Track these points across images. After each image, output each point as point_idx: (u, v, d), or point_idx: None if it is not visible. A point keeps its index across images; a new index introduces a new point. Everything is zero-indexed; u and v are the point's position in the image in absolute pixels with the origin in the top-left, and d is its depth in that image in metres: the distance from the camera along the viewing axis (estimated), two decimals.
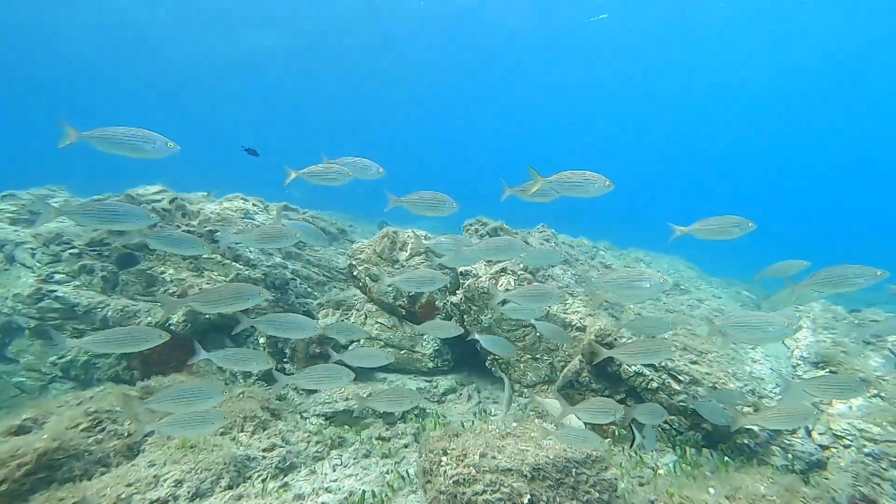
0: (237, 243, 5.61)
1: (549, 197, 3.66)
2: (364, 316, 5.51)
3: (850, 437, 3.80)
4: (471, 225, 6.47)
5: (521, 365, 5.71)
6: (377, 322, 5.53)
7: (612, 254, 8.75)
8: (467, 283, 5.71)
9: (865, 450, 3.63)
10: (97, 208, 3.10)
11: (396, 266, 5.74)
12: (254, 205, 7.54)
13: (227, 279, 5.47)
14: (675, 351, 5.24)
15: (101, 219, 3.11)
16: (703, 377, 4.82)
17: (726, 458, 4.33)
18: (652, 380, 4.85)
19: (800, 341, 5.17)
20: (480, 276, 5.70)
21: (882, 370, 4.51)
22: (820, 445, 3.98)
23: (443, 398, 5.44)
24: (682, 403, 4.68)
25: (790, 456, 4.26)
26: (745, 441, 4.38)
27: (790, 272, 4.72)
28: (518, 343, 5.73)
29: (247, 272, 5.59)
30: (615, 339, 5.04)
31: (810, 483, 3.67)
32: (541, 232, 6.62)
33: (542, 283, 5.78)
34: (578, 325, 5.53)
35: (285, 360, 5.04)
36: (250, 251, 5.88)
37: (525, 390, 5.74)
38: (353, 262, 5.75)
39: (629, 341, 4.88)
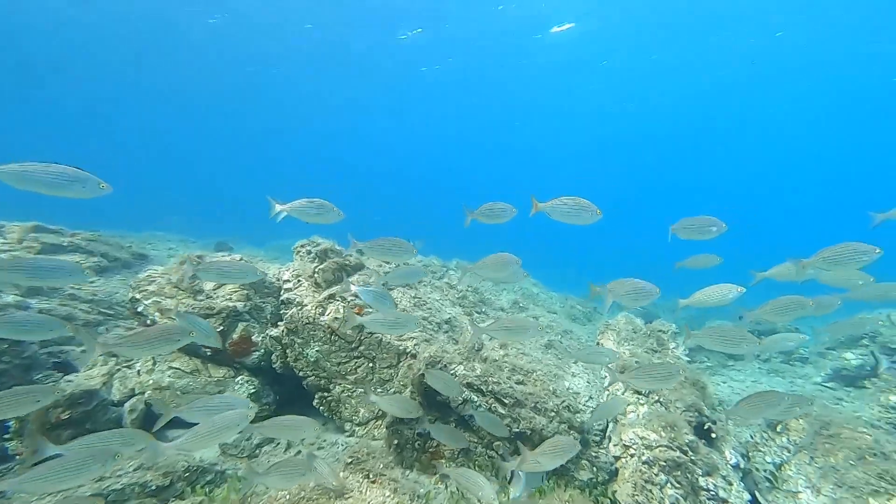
0: None
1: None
2: (153, 361, 4.42)
3: (634, 447, 4.15)
4: (302, 246, 5.82)
5: (353, 400, 5.22)
6: (171, 367, 4.48)
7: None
8: (290, 312, 5.04)
9: (643, 457, 3.98)
10: None
11: (200, 297, 4.78)
12: None
13: None
14: (504, 371, 5.34)
15: None
16: (525, 398, 4.94)
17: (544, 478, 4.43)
18: (479, 405, 4.79)
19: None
20: (306, 305, 5.08)
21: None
22: (615, 456, 4.29)
23: (256, 451, 4.62)
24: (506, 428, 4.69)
25: (595, 469, 4.56)
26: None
27: (707, 265, 4.87)
28: (350, 376, 5.24)
29: None
30: (445, 366, 4.90)
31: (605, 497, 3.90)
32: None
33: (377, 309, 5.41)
34: (412, 351, 5.28)
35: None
36: None
37: (357, 429, 5.26)
38: (138, 296, 4.61)
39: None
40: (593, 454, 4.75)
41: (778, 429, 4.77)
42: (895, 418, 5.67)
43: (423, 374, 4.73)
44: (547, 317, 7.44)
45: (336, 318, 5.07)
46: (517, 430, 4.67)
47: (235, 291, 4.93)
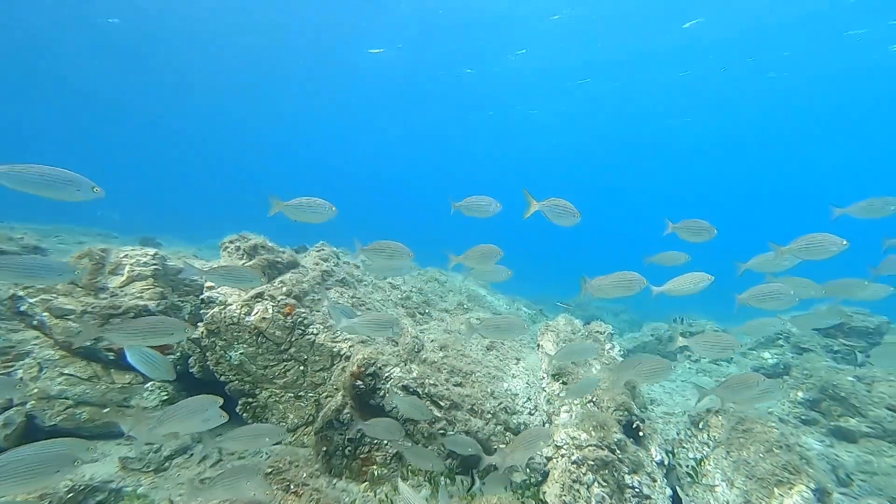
0: None
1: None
2: (38, 367, 3.86)
3: (565, 447, 4.17)
4: (231, 242, 5.41)
5: (281, 405, 4.89)
6: (62, 374, 3.95)
7: (409, 274, 8.77)
8: (211, 312, 4.64)
9: (573, 457, 4.00)
10: None
11: (104, 296, 4.27)
12: None
13: None
14: (443, 373, 5.23)
15: None
16: (462, 400, 4.85)
17: (475, 482, 4.34)
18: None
19: (546, 353, 5.73)
20: (230, 304, 4.70)
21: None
22: (546, 457, 4.28)
23: (166, 462, 4.19)
24: (441, 431, 4.57)
25: (529, 470, 4.54)
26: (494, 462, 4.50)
27: (676, 263, 5.08)
28: (279, 380, 4.91)
29: None
30: (380, 368, 4.71)
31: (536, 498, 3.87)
32: (319, 251, 5.99)
33: (310, 308, 5.12)
34: (347, 353, 5.04)
35: None
36: None
37: (288, 435, 4.94)
38: (21, 293, 4.02)
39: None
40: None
41: (700, 426, 5.00)
42: (801, 412, 6.15)
43: (354, 377, 4.51)
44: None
45: (264, 318, 4.73)
46: (452, 432, 4.58)
47: (148, 289, 4.46)
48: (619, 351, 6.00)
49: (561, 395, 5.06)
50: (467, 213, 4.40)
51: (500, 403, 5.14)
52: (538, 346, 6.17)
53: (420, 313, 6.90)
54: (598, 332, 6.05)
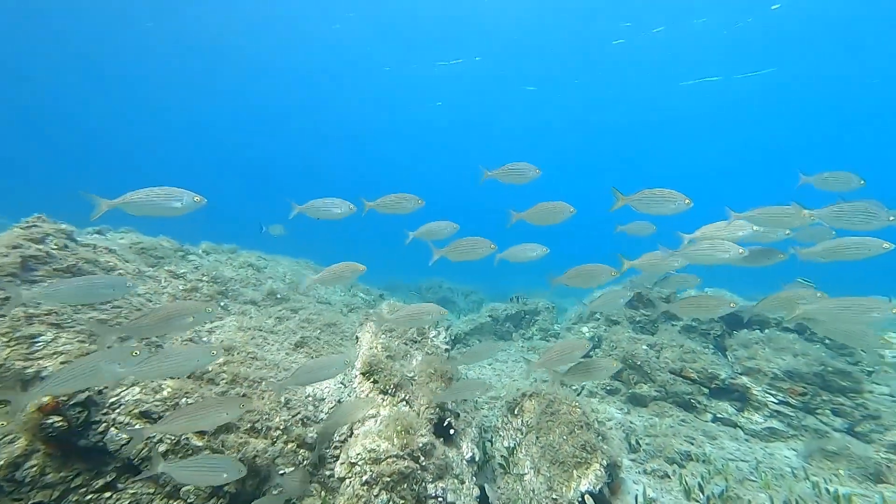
0: None
1: None
2: None
3: (360, 463, 3.44)
4: None
5: None
6: None
7: (217, 257, 7.14)
8: None
9: (365, 477, 3.30)
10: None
11: None
12: None
13: None
14: (219, 385, 4.05)
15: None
16: (241, 417, 3.76)
17: None
18: (160, 440, 3.39)
19: (362, 348, 4.96)
20: None
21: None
22: (339, 478, 3.50)
23: None
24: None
25: (323, 493, 3.73)
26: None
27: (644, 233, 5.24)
28: None
29: None
30: (98, 393, 3.31)
31: None
32: (27, 227, 4.11)
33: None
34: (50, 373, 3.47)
35: None
36: None
37: None
38: None
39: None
40: (328, 474, 3.92)
41: (515, 411, 4.84)
42: (608, 383, 6.62)
43: (44, 411, 3.04)
44: (313, 307, 6.37)
45: None
46: (218, 463, 3.46)
47: None
48: (445, 338, 5.58)
49: (370, 395, 4.34)
50: (383, 212, 4.73)
51: (296, 414, 4.19)
52: (356, 338, 5.37)
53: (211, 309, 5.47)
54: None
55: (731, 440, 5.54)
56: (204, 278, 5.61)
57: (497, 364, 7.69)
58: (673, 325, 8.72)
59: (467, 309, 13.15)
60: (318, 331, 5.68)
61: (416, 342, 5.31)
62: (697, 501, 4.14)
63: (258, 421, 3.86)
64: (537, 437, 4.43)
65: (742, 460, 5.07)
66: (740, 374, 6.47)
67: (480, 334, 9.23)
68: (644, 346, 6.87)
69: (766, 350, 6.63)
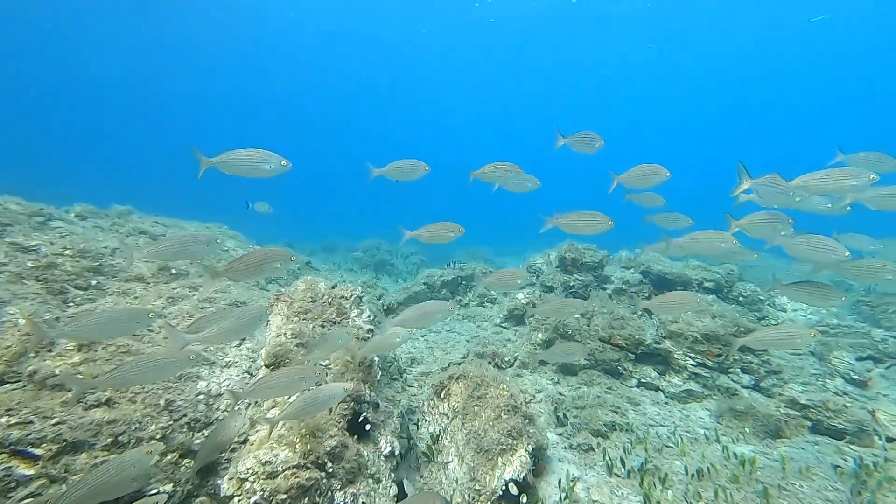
0: None
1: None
2: None
3: (252, 478, 2.93)
4: None
5: None
6: None
7: (97, 222, 5.92)
8: None
9: (255, 497, 2.80)
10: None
11: None
12: None
13: None
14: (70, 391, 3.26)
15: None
16: (99, 430, 3.07)
17: None
18: None
19: (270, 334, 4.31)
20: None
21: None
22: (226, 496, 2.97)
23: None
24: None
25: None
26: None
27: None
28: None
29: None
30: None
31: None
32: None
33: None
34: None
35: None
36: None
37: None
38: None
39: None
40: (219, 482, 3.38)
41: (442, 395, 4.53)
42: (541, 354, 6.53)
43: None
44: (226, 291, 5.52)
45: None
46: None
47: None
48: (369, 316, 5.05)
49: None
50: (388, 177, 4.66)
51: (180, 418, 3.55)
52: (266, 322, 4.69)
53: (78, 288, 4.49)
54: (342, 297, 4.91)
55: (652, 405, 5.70)
56: (66, 251, 4.55)
57: (431, 335, 7.38)
58: (604, 288, 8.86)
59: (405, 272, 12.68)
60: (222, 310, 4.91)
61: (334, 323, 4.74)
62: (619, 476, 4.14)
63: (122, 433, 3.18)
64: (463, 423, 4.15)
65: (661, 425, 5.22)
66: (664, 337, 6.65)
67: (415, 302, 8.84)
68: (577, 315, 6.83)
69: (689, 313, 6.84)
